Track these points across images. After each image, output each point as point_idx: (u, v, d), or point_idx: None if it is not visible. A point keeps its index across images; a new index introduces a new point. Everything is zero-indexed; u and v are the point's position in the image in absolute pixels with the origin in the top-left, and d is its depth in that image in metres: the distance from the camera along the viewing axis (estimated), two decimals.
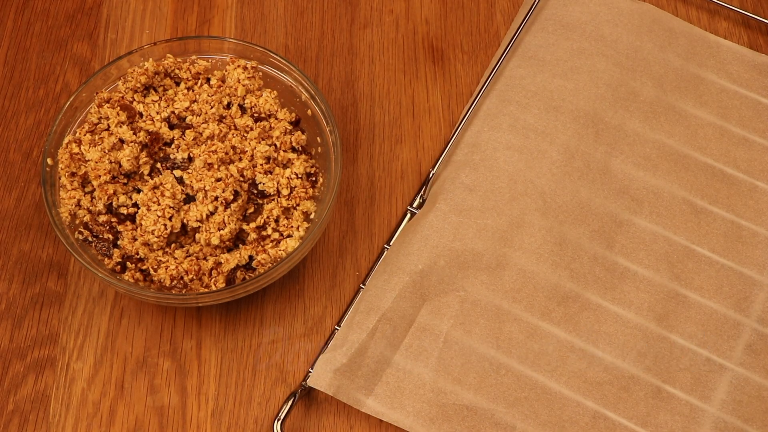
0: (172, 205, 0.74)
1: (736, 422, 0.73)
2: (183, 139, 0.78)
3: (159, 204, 0.74)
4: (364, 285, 0.78)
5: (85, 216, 0.76)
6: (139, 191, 0.77)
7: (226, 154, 0.76)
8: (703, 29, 0.91)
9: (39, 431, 0.73)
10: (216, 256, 0.75)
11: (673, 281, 0.78)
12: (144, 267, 0.74)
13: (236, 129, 0.79)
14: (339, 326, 0.76)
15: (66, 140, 0.77)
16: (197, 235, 0.74)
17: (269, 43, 0.90)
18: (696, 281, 0.78)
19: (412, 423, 0.72)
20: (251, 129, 0.78)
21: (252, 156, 0.77)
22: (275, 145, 0.78)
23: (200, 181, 0.75)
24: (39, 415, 0.74)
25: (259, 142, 0.78)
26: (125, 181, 0.76)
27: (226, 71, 0.81)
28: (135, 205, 0.76)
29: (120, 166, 0.76)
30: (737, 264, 0.79)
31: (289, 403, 0.73)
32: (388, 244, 0.80)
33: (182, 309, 0.78)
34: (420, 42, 0.91)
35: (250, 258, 0.75)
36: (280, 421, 0.73)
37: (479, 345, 0.75)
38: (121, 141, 0.77)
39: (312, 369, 0.74)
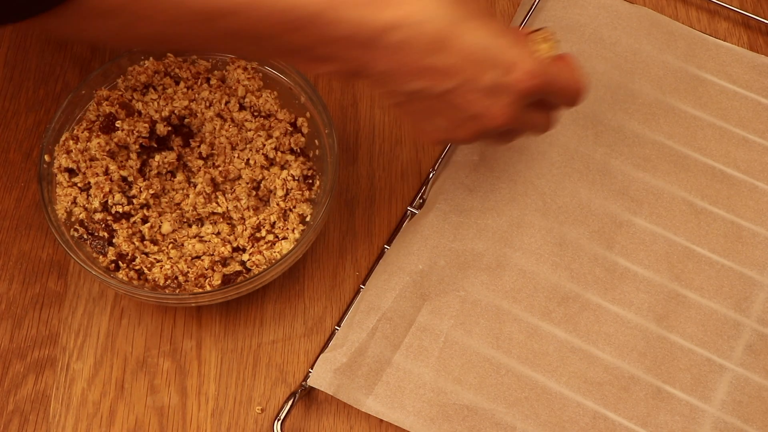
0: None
1: (736, 422, 0.73)
2: (189, 150, 0.79)
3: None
4: (363, 285, 0.78)
5: (81, 213, 0.76)
6: (131, 197, 0.77)
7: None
8: (702, 30, 0.91)
9: (39, 431, 0.73)
10: (212, 255, 0.75)
11: (673, 281, 0.78)
12: (137, 266, 0.74)
13: (233, 122, 0.79)
14: (339, 326, 0.76)
15: (63, 137, 0.77)
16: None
17: None
18: (696, 281, 0.78)
19: (412, 422, 0.72)
20: (248, 121, 0.79)
21: (258, 148, 0.78)
22: (275, 147, 0.78)
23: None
24: (39, 415, 0.74)
25: (265, 139, 0.78)
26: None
27: (226, 71, 0.81)
28: (130, 203, 0.76)
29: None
30: (737, 264, 0.79)
31: (289, 403, 0.73)
32: (388, 245, 0.80)
33: (182, 309, 0.78)
34: None
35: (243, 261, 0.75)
36: (280, 421, 0.73)
37: (479, 345, 0.75)
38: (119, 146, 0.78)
39: (312, 369, 0.74)
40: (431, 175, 0.82)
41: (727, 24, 0.92)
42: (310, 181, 0.78)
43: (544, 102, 0.67)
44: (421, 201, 0.82)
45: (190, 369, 0.76)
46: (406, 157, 0.85)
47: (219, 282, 0.73)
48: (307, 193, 0.77)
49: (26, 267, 0.79)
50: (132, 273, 0.74)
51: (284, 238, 0.76)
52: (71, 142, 0.77)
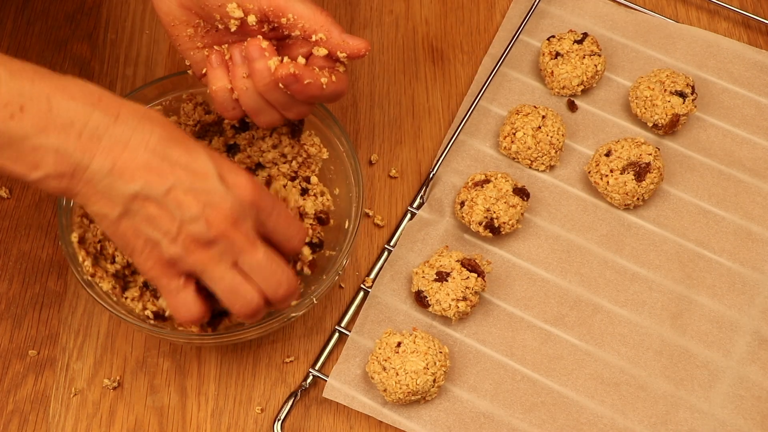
0: None
1: (754, 418, 0.73)
2: None
3: None
4: (364, 285, 0.78)
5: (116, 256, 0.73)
6: None
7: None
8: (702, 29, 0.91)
9: (39, 431, 0.73)
10: None
11: (684, 280, 0.78)
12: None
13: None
14: (340, 326, 0.76)
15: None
16: None
17: None
18: (708, 280, 0.78)
19: (432, 429, 0.72)
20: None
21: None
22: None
23: None
24: (39, 415, 0.74)
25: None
26: None
27: None
28: None
29: None
30: (748, 262, 0.79)
31: (289, 403, 0.73)
32: (389, 245, 0.80)
33: None
34: (420, 42, 0.91)
35: None
36: (280, 421, 0.73)
37: (493, 353, 0.75)
38: None
39: (312, 369, 0.74)
40: (431, 175, 0.82)
41: (727, 24, 0.92)
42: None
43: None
44: (421, 201, 0.82)
45: (190, 369, 0.76)
46: (406, 157, 0.85)
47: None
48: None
49: (26, 267, 0.79)
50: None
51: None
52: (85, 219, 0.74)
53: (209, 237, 0.62)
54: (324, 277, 0.72)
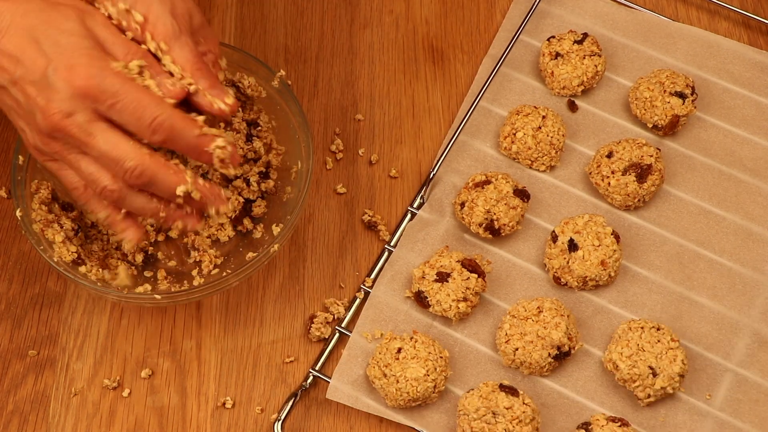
0: None
1: (753, 421, 0.73)
2: None
3: None
4: (364, 285, 0.78)
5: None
6: None
7: None
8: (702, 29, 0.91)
9: (39, 431, 0.73)
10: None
11: (685, 281, 0.78)
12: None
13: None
14: (340, 326, 0.76)
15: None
16: None
17: (269, 43, 0.90)
18: (708, 281, 0.78)
19: (434, 430, 0.72)
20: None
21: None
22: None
23: None
24: (39, 415, 0.74)
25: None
26: None
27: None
28: None
29: None
30: (749, 263, 0.79)
31: (290, 403, 0.73)
32: (389, 245, 0.80)
33: (182, 309, 0.78)
34: (420, 42, 0.91)
35: None
36: (280, 422, 0.73)
37: (494, 354, 0.75)
38: None
39: (312, 370, 0.74)
40: (431, 175, 0.82)
41: (727, 24, 0.92)
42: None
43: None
44: (421, 201, 0.82)
45: (190, 369, 0.76)
46: (406, 157, 0.85)
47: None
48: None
49: (26, 267, 0.79)
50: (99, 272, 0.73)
51: None
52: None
53: (46, 130, 0.62)
54: (287, 219, 0.74)
